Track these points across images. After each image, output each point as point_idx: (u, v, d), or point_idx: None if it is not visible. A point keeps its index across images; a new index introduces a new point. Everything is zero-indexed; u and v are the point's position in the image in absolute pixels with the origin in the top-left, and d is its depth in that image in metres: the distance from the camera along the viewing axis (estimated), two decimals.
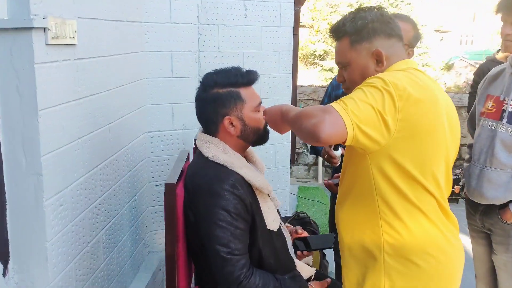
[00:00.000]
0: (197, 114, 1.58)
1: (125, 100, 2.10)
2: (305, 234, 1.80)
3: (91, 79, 1.69)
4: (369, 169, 1.27)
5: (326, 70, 15.38)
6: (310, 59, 16.28)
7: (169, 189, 1.40)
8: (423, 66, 14.40)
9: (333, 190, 1.78)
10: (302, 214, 2.97)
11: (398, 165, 1.24)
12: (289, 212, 3.34)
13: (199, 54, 2.57)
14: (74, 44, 1.53)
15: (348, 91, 1.35)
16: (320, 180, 5.47)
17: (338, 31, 1.39)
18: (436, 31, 18.13)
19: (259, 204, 1.51)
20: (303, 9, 16.85)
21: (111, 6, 1.88)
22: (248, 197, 1.45)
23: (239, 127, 1.54)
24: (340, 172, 1.51)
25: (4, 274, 1.40)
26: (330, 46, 15.66)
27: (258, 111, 1.57)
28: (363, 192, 1.31)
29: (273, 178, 3.03)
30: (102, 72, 1.81)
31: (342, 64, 1.39)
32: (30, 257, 1.42)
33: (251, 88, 1.57)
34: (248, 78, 1.54)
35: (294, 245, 1.75)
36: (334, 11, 15.80)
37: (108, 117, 1.88)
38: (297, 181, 5.46)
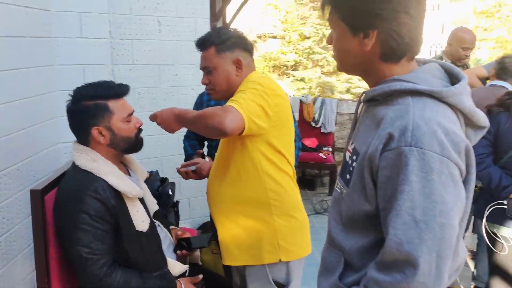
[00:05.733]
0: (69, 125, 1.67)
1: (30, 112, 2.18)
2: (187, 235, 1.91)
3: None
4: (254, 153, 1.63)
5: (298, 80, 15.59)
6: (283, 69, 16.48)
7: (34, 195, 1.49)
8: None
9: (189, 177, 1.92)
10: None
11: (273, 146, 1.63)
12: None
13: (112, 68, 2.66)
14: None
15: (212, 91, 1.72)
16: None
17: (205, 41, 1.70)
18: None
19: (126, 207, 1.61)
20: (275, 20, 17.06)
21: (12, 23, 1.98)
22: (111, 200, 1.55)
23: (108, 136, 1.64)
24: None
25: None
26: (300, 57, 15.98)
27: (129, 121, 1.68)
28: (249, 171, 1.65)
29: None
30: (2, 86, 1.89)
31: (208, 69, 1.69)
32: None
33: (121, 100, 1.67)
34: (116, 91, 1.65)
35: (177, 245, 1.87)
36: (304, 23, 16.04)
37: (6, 129, 1.97)
38: None
